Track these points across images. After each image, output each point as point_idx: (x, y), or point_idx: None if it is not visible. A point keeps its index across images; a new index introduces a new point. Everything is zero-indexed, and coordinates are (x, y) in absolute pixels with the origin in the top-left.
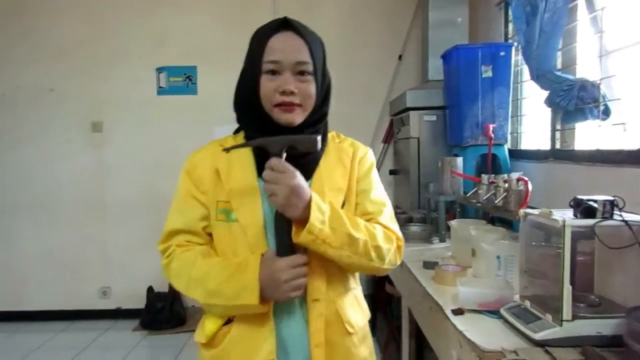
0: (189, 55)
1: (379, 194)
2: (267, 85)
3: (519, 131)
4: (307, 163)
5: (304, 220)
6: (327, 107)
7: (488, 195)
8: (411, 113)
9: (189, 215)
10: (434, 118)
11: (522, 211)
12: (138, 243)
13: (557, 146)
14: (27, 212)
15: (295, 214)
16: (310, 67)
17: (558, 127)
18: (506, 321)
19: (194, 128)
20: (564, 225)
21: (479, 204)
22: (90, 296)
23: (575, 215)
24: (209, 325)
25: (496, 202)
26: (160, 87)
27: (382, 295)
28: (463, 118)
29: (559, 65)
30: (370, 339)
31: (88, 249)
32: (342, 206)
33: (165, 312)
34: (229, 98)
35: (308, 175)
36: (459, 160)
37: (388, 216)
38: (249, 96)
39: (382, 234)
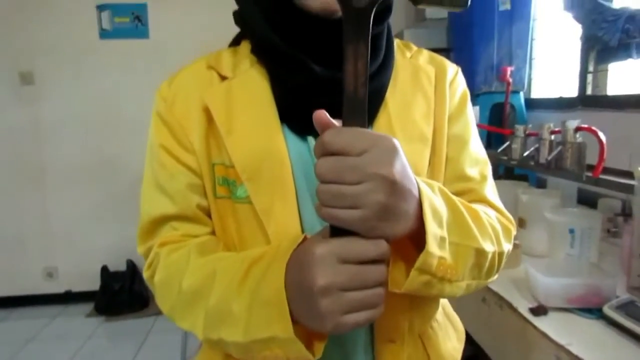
0: None
1: (479, 146)
2: None
3: (531, 77)
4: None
5: (405, 239)
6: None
7: (529, 151)
8: None
9: (171, 189)
10: None
11: None
12: (87, 214)
13: (588, 92)
14: None
15: (392, 232)
16: None
17: (590, 68)
18: (613, 324)
19: (146, 78)
20: None
21: (513, 162)
22: (32, 278)
23: None
24: None
25: (548, 158)
26: (102, 29)
27: None
28: (475, 60)
29: None
30: None
31: (26, 223)
32: (428, 166)
33: (124, 293)
34: (187, 42)
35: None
36: (476, 109)
37: (492, 185)
38: None
39: (500, 226)
